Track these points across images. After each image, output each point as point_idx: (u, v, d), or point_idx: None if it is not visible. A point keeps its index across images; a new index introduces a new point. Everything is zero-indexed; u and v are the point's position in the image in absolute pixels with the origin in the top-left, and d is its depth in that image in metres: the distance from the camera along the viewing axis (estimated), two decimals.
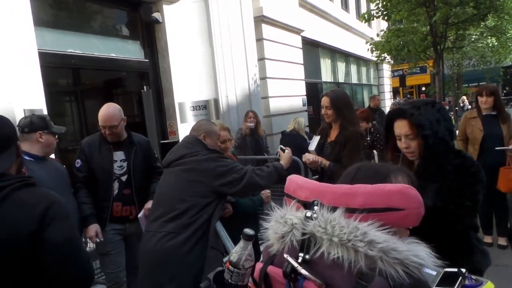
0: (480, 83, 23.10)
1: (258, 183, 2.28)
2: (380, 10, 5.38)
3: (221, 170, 2.16)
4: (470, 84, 24.45)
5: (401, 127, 1.64)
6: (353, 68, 13.28)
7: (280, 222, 1.10)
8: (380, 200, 0.98)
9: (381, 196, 0.99)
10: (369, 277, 0.90)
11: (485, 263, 1.81)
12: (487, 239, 4.21)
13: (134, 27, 5.14)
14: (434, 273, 1.40)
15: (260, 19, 6.54)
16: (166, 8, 5.06)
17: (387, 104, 15.55)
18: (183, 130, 5.15)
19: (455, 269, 1.37)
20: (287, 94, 7.48)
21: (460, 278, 1.33)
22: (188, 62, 5.26)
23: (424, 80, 22.68)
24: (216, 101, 5.36)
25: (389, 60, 13.76)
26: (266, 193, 3.00)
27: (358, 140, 2.95)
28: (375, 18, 5.32)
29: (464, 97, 16.85)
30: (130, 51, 4.97)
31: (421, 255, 0.93)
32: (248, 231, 1.17)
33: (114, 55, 4.64)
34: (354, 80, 13.41)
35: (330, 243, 0.96)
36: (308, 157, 2.89)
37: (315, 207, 1.05)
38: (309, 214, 1.03)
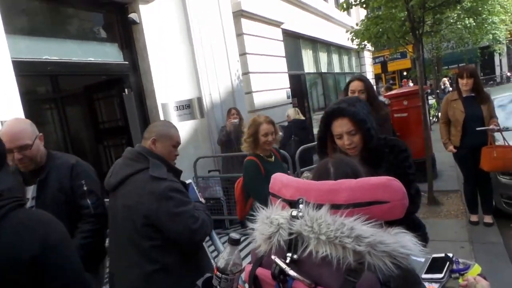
0: (460, 65, 23.53)
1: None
2: None
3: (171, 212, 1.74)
4: (449, 66, 24.88)
5: (342, 125, 1.70)
6: (335, 57, 13.33)
7: (266, 222, 1.09)
8: (365, 194, 0.99)
9: (365, 190, 0.99)
10: (357, 273, 0.91)
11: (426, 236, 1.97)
12: (473, 217, 4.32)
13: (111, 29, 5.04)
14: (423, 259, 1.44)
15: (239, 14, 6.49)
16: (142, 8, 4.97)
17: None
18: None
19: (443, 255, 1.40)
20: (271, 88, 7.47)
21: (448, 263, 1.36)
22: (168, 62, 5.20)
23: (405, 65, 22.96)
24: (200, 99, 5.31)
25: (370, 47, 13.86)
26: None
27: (389, 121, 3.13)
28: (353, 6, 5.34)
29: (445, 79, 17.11)
30: (108, 54, 4.88)
31: (408, 245, 0.95)
32: (234, 235, 1.16)
33: (93, 59, 4.55)
34: (337, 69, 13.47)
35: (318, 241, 0.96)
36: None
37: (301, 206, 1.05)
38: (295, 213, 1.03)
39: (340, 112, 1.70)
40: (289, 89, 8.31)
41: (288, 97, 8.19)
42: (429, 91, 14.10)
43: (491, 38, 16.91)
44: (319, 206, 1.01)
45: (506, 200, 4.26)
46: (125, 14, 4.95)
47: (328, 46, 12.42)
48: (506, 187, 4.22)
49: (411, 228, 1.79)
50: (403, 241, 0.94)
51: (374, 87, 16.61)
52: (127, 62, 4.99)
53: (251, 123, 2.82)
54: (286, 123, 6.32)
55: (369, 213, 0.97)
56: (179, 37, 5.25)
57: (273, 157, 2.90)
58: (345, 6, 5.37)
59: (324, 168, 1.16)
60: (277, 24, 7.88)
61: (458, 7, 7.44)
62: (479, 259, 3.52)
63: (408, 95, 6.00)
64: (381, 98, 6.54)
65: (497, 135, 3.97)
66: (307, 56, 10.60)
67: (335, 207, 1.00)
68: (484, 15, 14.27)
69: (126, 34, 5.04)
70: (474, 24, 14.48)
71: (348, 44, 8.17)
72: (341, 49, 13.60)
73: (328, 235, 0.95)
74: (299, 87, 9.85)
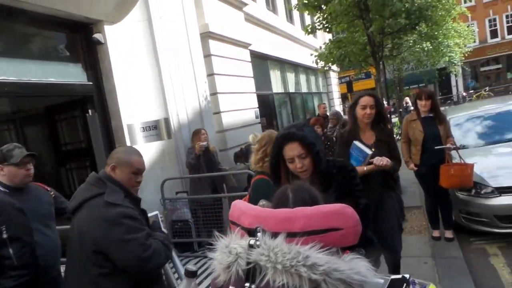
0: (420, 85, 24.81)
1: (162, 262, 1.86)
2: (321, 23, 5.63)
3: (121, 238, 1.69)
4: (410, 86, 26.15)
5: (293, 149, 1.76)
6: (303, 77, 13.68)
7: (225, 252, 1.08)
8: (320, 222, 1.01)
9: (320, 217, 1.01)
10: None
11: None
12: (435, 233, 4.46)
13: (74, 50, 4.94)
14: (382, 281, 1.46)
15: (207, 35, 6.56)
16: (107, 28, 4.93)
17: (338, 109, 16.16)
18: None
19: (400, 276, 1.43)
20: (239, 108, 7.52)
21: (405, 284, 1.40)
22: (134, 82, 5.14)
23: (370, 84, 23.83)
24: (167, 120, 5.26)
25: (334, 68, 14.36)
26: None
27: (394, 137, 3.14)
28: (317, 30, 5.55)
29: (407, 98, 17.91)
30: (71, 74, 4.76)
31: (362, 271, 0.96)
32: (191, 267, 1.14)
33: (54, 80, 4.42)
34: (304, 89, 13.81)
35: (275, 271, 0.96)
36: (383, 160, 2.71)
37: (258, 234, 1.05)
38: (252, 242, 1.03)
39: (290, 136, 1.76)
40: (258, 109, 8.40)
41: (256, 117, 8.27)
42: (392, 109, 14.68)
43: (447, 60, 17.99)
44: (276, 235, 1.02)
45: (465, 215, 4.45)
46: (89, 34, 4.88)
47: (296, 67, 12.76)
48: (464, 203, 4.41)
49: (364, 243, 1.85)
50: (357, 267, 0.96)
51: (341, 106, 17.14)
52: (91, 83, 4.88)
53: (268, 139, 2.51)
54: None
55: (324, 241, 0.99)
56: (145, 57, 5.22)
57: None
58: (309, 30, 5.56)
59: (283, 195, 1.18)
60: (244, 45, 8.02)
61: (415, 32, 7.93)
62: (441, 274, 3.63)
63: None
64: (345, 117, 6.74)
65: (454, 153, 4.18)
66: (275, 77, 10.82)
67: (292, 235, 1.01)
68: (440, 39, 15.21)
69: (90, 54, 4.95)
70: (431, 47, 15.38)
71: (315, 65, 8.44)
72: (308, 70, 13.98)
73: (284, 264, 0.96)
74: (267, 107, 9.99)
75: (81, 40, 4.94)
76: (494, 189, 4.17)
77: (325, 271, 0.93)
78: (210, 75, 6.54)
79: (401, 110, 16.04)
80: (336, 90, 17.70)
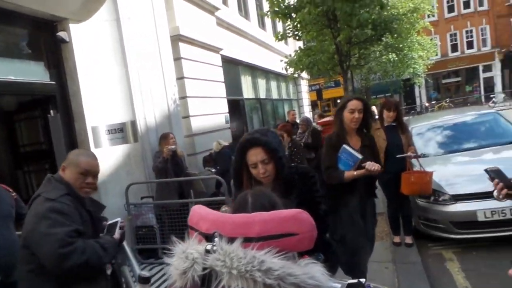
0: (386, 94, 25.71)
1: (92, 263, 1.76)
2: (291, 31, 5.73)
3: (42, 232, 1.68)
4: (377, 96, 27.05)
5: (257, 154, 1.77)
6: (273, 84, 13.82)
7: (181, 257, 1.07)
8: (276, 227, 1.02)
9: (276, 223, 1.02)
10: None
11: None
12: (396, 239, 4.60)
13: (37, 47, 4.75)
14: (339, 285, 1.49)
15: (177, 38, 6.50)
16: (73, 27, 4.78)
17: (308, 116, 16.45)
18: (98, 156, 4.85)
19: (356, 280, 1.46)
20: (209, 112, 7.49)
21: None
22: (101, 83, 5.00)
23: (339, 93, 24.45)
24: (134, 123, 5.14)
25: (303, 76, 14.62)
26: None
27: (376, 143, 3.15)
28: (287, 38, 5.66)
29: (374, 107, 18.50)
30: (32, 72, 4.57)
31: (316, 276, 0.98)
32: (144, 273, 1.12)
33: (13, 78, 4.22)
34: (275, 95, 13.95)
35: (230, 276, 0.96)
36: (375, 165, 2.71)
37: (215, 239, 1.05)
38: (209, 247, 1.02)
39: (254, 141, 1.77)
40: (228, 114, 8.40)
41: (226, 122, 8.26)
42: None
43: (411, 71, 18.79)
44: (233, 240, 1.02)
45: (424, 221, 4.63)
46: (53, 32, 4.71)
47: (267, 73, 12.87)
48: (423, 210, 4.59)
49: (322, 248, 1.90)
50: (311, 272, 0.97)
51: (310, 113, 17.43)
52: (53, 82, 4.70)
53: None
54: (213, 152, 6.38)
55: (280, 245, 1.00)
56: (112, 58, 5.10)
57: None
58: (280, 37, 5.64)
59: (243, 200, 1.19)
60: (216, 50, 8.01)
61: (383, 42, 8.23)
62: (401, 279, 3.75)
63: None
64: (314, 124, 6.88)
65: (415, 161, 4.35)
66: (246, 82, 10.87)
67: (249, 240, 1.01)
68: (405, 51, 15.88)
69: (54, 53, 4.78)
70: (396, 58, 16.01)
71: (285, 71, 8.56)
72: (279, 76, 14.15)
73: (239, 269, 0.96)
74: (238, 112, 10.01)
75: (45, 38, 4.76)
76: (451, 196, 4.37)
77: (279, 276, 0.93)
78: (180, 78, 6.48)
79: None
80: (306, 98, 18.01)
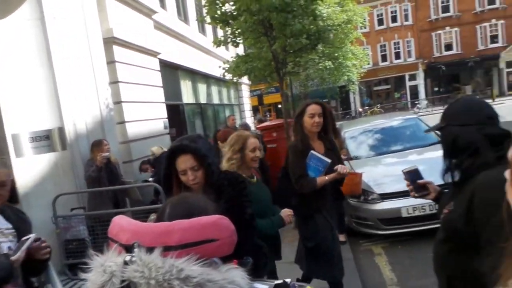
0: (323, 100, 26.93)
1: None
2: (229, 37, 5.79)
3: None
4: None
5: (186, 161, 1.76)
6: (214, 89, 13.79)
7: (99, 271, 1.03)
8: (196, 234, 1.02)
9: (196, 230, 1.02)
10: None
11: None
12: None
13: None
14: (266, 287, 1.53)
15: (111, 41, 6.22)
16: None
17: (249, 121, 16.62)
18: (19, 166, 4.46)
19: (281, 281, 1.51)
20: (147, 118, 7.25)
21: None
22: (23, 87, 4.62)
23: (279, 98, 25.14)
24: (61, 129, 4.80)
25: (244, 81, 14.79)
26: (286, 212, 2.51)
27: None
28: (225, 44, 5.71)
29: None
30: None
31: (236, 280, 1.00)
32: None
33: None
34: (216, 100, 13.92)
35: (148, 286, 0.94)
36: (345, 168, 2.71)
37: (135, 250, 1.02)
38: (127, 258, 0.99)
39: (183, 148, 1.76)
40: (167, 120, 8.20)
41: (165, 128, 8.06)
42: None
43: (346, 79, 19.87)
44: (152, 250, 1.00)
45: (355, 220, 4.91)
46: None
47: (208, 78, 12.81)
48: (354, 209, 4.87)
49: (252, 251, 1.93)
50: (231, 277, 0.99)
51: (252, 118, 17.64)
52: None
53: (236, 138, 2.47)
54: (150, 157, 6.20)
55: (200, 252, 1.00)
56: (37, 60, 4.73)
57: (255, 178, 2.61)
58: (217, 43, 5.66)
59: (163, 209, 1.17)
60: (153, 54, 7.80)
61: (320, 51, 8.61)
62: None
63: (276, 127, 6.54)
64: (253, 130, 6.98)
65: (347, 163, 4.59)
66: (186, 87, 10.71)
67: (169, 249, 1.00)
68: (340, 60, 16.78)
69: None
70: (332, 66, 16.84)
71: (223, 77, 8.57)
72: (220, 82, 14.16)
73: (157, 278, 0.94)
74: (177, 118, 9.82)
75: None
76: (378, 195, 4.69)
77: (198, 283, 0.94)
78: (114, 82, 6.19)
79: None
80: (247, 103, 18.21)
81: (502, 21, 31.12)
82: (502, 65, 31.59)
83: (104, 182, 4.80)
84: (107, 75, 5.84)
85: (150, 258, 0.98)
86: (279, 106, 25.31)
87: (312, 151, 2.77)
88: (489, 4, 31.27)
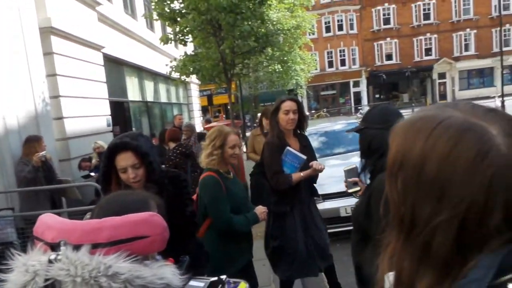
0: (273, 103, 27.44)
1: None
2: (177, 35, 5.70)
3: None
4: (265, 104, 28.66)
5: (127, 159, 1.74)
6: (162, 87, 13.45)
7: (21, 271, 0.98)
8: (127, 231, 1.01)
9: (127, 226, 1.02)
10: None
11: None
12: None
13: None
14: (202, 284, 1.55)
15: (49, 31, 5.83)
16: None
17: (197, 121, 16.43)
18: None
19: (216, 278, 1.54)
20: (88, 114, 6.89)
21: (220, 285, 1.51)
22: None
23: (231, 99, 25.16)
24: None
25: (193, 81, 14.62)
26: (261, 209, 2.49)
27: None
28: (172, 42, 5.60)
29: (260, 115, 19.56)
30: None
31: (166, 276, 1.01)
32: None
33: None
34: (164, 99, 13.59)
35: (74, 284, 0.92)
36: (321, 164, 2.73)
37: (62, 248, 0.99)
38: (53, 256, 0.96)
39: (124, 146, 1.73)
40: (110, 117, 7.86)
41: (108, 125, 7.72)
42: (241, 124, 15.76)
43: (294, 83, 20.42)
44: (79, 247, 0.98)
45: None
46: None
47: (155, 76, 12.46)
48: None
49: (194, 249, 1.95)
50: (161, 273, 1.00)
51: (201, 118, 17.49)
52: None
53: (217, 133, 2.42)
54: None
55: (131, 249, 1.00)
56: None
57: (231, 174, 2.57)
58: (165, 40, 5.55)
59: (95, 207, 1.15)
60: (97, 47, 7.44)
61: (270, 54, 8.77)
62: (276, 275, 4.03)
63: None
64: (201, 129, 6.93)
65: None
66: (132, 84, 10.34)
67: (98, 246, 0.99)
68: (289, 63, 17.21)
69: None
70: (281, 70, 17.22)
71: (175, 75, 8.40)
72: (168, 80, 13.84)
73: (84, 276, 0.93)
74: (122, 115, 9.45)
75: None
76: (320, 195, 4.88)
77: (127, 279, 0.94)
78: (52, 75, 5.81)
79: (255, 124, 17.39)
80: (196, 102, 18.00)
81: (435, 36, 33.89)
82: (435, 76, 34.39)
83: (41, 182, 4.52)
84: (43, 67, 5.47)
85: (76, 255, 0.96)
86: (229, 107, 25.39)
87: (288, 147, 2.80)
88: (424, 19, 33.88)
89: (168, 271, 1.02)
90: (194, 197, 2.55)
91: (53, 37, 5.91)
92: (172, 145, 5.14)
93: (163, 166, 5.04)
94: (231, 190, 2.38)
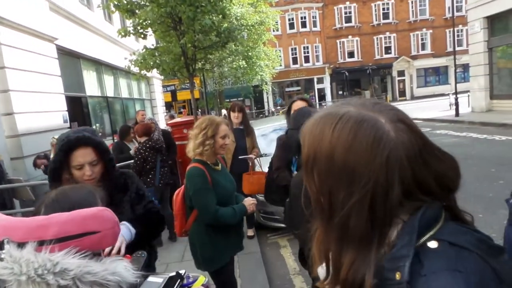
0: (238, 99, 27.41)
1: None
2: (136, 28, 5.51)
3: None
4: (231, 100, 28.57)
5: (86, 155, 1.66)
6: (123, 82, 13.01)
7: None
8: (75, 227, 0.97)
9: (76, 222, 0.97)
10: None
11: None
12: (249, 232, 4.94)
13: None
14: (161, 279, 1.52)
15: None
16: None
17: (161, 117, 16.08)
18: None
19: (174, 273, 1.52)
20: (42, 110, 6.54)
21: (179, 279, 1.49)
22: None
23: (195, 95, 24.81)
24: None
25: (156, 76, 14.26)
26: (249, 200, 2.45)
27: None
28: (131, 35, 5.41)
29: (224, 110, 19.45)
30: None
31: (118, 271, 0.97)
32: None
33: None
34: (125, 94, 13.17)
35: (19, 283, 0.88)
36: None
37: (6, 246, 0.94)
38: None
39: (85, 141, 1.65)
40: (67, 112, 7.50)
41: (65, 121, 7.36)
42: None
43: (259, 78, 20.50)
44: (24, 245, 0.93)
45: (263, 214, 5.10)
46: None
47: (115, 70, 12.02)
48: (263, 204, 5.04)
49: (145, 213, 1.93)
50: (113, 268, 0.97)
51: (164, 114, 17.13)
52: None
53: (208, 122, 2.35)
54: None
55: (80, 245, 0.96)
56: None
57: (220, 165, 2.48)
58: (123, 33, 5.36)
59: (40, 203, 1.10)
60: (49, 39, 7.04)
61: (229, 50, 8.71)
62: (241, 268, 4.04)
63: (187, 124, 6.45)
64: (164, 126, 6.78)
65: (257, 161, 4.73)
66: (89, 78, 9.91)
67: (45, 243, 0.94)
68: (254, 59, 17.24)
69: None
70: (246, 65, 17.22)
71: (128, 70, 8.11)
72: (130, 75, 13.43)
73: (29, 274, 0.89)
74: (80, 111, 9.06)
75: None
76: None
77: (76, 276, 0.90)
78: (0, 68, 5.45)
79: None
80: (160, 98, 17.59)
81: (394, 35, 35.22)
82: (394, 73, 35.78)
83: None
84: None
85: (21, 253, 0.91)
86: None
87: None
88: (384, 19, 35.12)
89: (120, 266, 0.99)
90: (182, 187, 2.50)
91: (1, 27, 5.54)
92: (143, 139, 4.97)
93: (132, 161, 4.90)
94: (219, 182, 2.33)
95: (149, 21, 5.25)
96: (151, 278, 1.56)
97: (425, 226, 0.65)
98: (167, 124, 7.13)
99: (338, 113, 0.70)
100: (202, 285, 1.42)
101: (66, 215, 0.99)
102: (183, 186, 2.49)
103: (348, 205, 0.67)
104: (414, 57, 35.38)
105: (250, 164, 4.58)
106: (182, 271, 1.51)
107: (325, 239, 0.75)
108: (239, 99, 27.51)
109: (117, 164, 5.27)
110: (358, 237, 0.67)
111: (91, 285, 0.92)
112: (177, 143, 6.35)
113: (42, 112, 6.54)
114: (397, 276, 0.62)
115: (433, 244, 0.63)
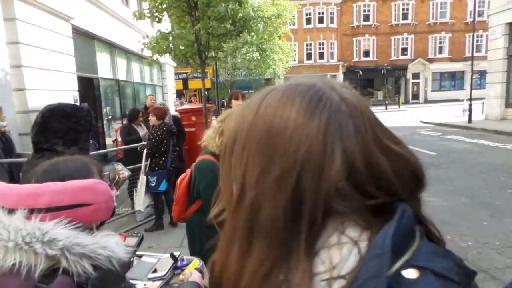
0: (250, 91, 27.33)
1: None
2: (150, 12, 5.48)
3: None
4: (242, 91, 28.56)
5: None
6: (136, 66, 13.04)
7: None
8: (68, 197, 0.95)
9: (69, 193, 0.96)
10: (50, 277, 0.86)
11: None
12: None
13: None
14: (155, 260, 1.52)
15: None
16: None
17: (171, 105, 16.10)
18: None
19: (168, 254, 1.51)
20: (53, 88, 6.58)
21: (173, 262, 1.49)
22: None
23: (206, 84, 24.78)
24: None
25: (169, 62, 14.25)
26: None
27: None
28: (146, 18, 5.39)
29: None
30: None
31: (109, 246, 0.95)
32: None
33: None
34: (137, 79, 13.20)
35: (6, 249, 0.87)
36: None
37: None
38: None
39: None
40: (77, 92, 7.55)
41: (75, 101, 7.40)
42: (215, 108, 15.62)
43: (272, 72, 20.37)
44: (14, 211, 0.92)
45: None
46: None
47: (128, 54, 12.05)
48: None
49: None
50: (104, 242, 0.95)
51: (174, 101, 17.19)
52: None
53: (227, 114, 2.25)
54: None
55: (72, 216, 0.95)
56: None
57: None
58: (138, 16, 5.34)
59: (34, 170, 1.07)
60: (65, 18, 7.07)
61: (244, 40, 8.60)
62: None
63: (195, 111, 6.43)
64: (174, 112, 6.77)
65: None
66: (102, 60, 9.94)
67: (36, 212, 0.93)
68: (268, 52, 17.12)
69: None
70: (259, 58, 17.11)
71: (141, 52, 8.09)
72: (142, 59, 13.45)
73: (17, 241, 0.87)
74: (91, 92, 9.10)
75: None
76: None
77: (65, 246, 0.88)
78: (14, 43, 5.48)
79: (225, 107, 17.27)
80: (171, 85, 17.62)
81: (412, 36, 34.68)
82: (409, 75, 35.30)
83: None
84: (4, 33, 5.14)
85: (10, 220, 0.90)
86: (206, 92, 25.03)
87: None
88: (403, 19, 34.56)
89: (112, 241, 0.97)
90: (187, 174, 2.43)
91: (16, 2, 5.55)
92: (159, 122, 4.98)
93: (140, 144, 4.94)
94: None
95: (165, 5, 5.22)
96: (145, 258, 1.57)
97: (399, 245, 0.45)
98: (176, 110, 7.11)
99: (262, 93, 0.59)
100: (196, 268, 1.40)
101: (59, 184, 0.97)
102: (188, 172, 2.43)
103: (263, 184, 0.51)
104: (431, 60, 34.83)
105: None
106: (176, 253, 1.51)
107: (229, 235, 0.59)
108: (250, 91, 27.43)
109: (125, 146, 5.32)
110: (272, 233, 0.51)
111: (80, 257, 0.90)
112: (186, 130, 6.36)
113: (54, 90, 6.58)
114: None
115: (410, 274, 0.44)
